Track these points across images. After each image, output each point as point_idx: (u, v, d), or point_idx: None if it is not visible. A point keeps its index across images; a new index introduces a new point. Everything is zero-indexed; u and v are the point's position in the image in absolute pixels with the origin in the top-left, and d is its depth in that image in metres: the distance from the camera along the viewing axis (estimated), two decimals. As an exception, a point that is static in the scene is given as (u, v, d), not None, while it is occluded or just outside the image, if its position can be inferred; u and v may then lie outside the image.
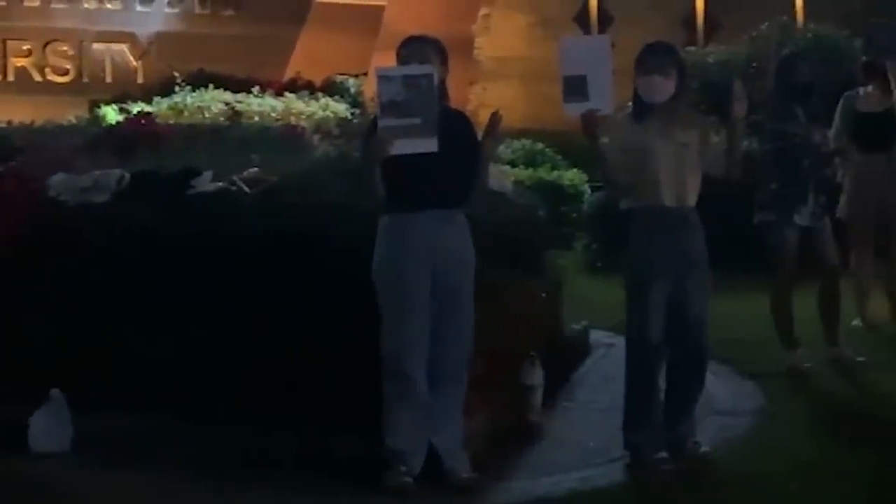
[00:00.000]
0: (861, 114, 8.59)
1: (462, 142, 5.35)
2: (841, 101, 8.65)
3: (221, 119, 11.99)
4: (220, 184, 6.28)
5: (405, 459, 5.30)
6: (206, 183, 6.29)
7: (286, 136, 9.76)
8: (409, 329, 5.28)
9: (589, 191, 13.04)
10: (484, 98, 16.08)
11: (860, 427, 6.45)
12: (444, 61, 5.47)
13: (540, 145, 14.30)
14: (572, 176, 13.62)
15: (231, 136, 9.34)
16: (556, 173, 13.69)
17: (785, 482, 5.44)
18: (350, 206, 5.76)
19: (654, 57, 5.68)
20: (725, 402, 6.82)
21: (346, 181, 5.99)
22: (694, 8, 18.44)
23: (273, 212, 5.96)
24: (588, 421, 6.57)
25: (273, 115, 12.62)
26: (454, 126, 5.36)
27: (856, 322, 8.56)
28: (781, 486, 5.40)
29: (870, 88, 8.62)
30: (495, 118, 5.46)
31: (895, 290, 8.79)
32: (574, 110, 5.45)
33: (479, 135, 5.49)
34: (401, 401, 5.30)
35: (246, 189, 6.23)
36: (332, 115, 12.94)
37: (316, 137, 10.27)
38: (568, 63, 5.48)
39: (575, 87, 5.42)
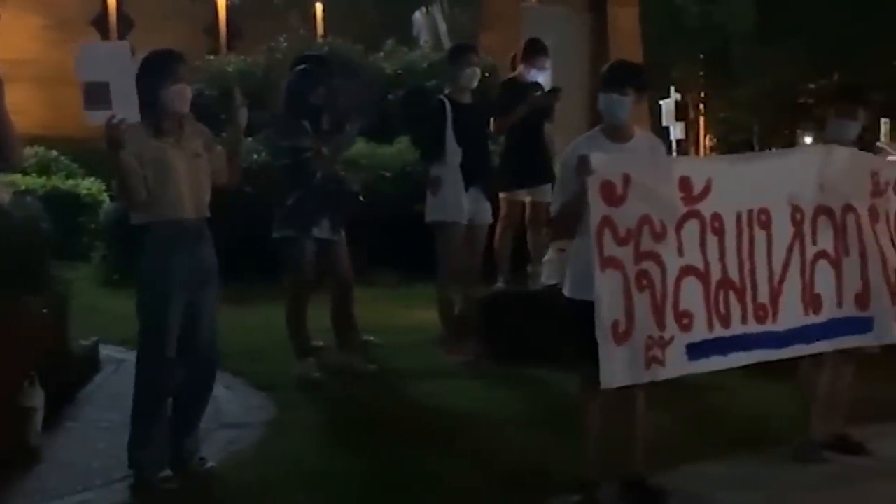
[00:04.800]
0: None
1: None
2: None
3: None
4: None
5: None
6: None
7: None
8: None
9: (108, 200, 12.68)
10: (-7, 102, 15.24)
11: (369, 433, 6.57)
12: None
13: (55, 152, 13.78)
14: (90, 185, 13.22)
15: None
16: (72, 182, 13.24)
17: (290, 492, 5.48)
18: None
19: (176, 65, 5.52)
20: (236, 414, 6.81)
21: None
22: (217, 16, 18.46)
23: None
24: (93, 440, 6.33)
25: None
26: None
27: (370, 338, 8.62)
28: (286, 496, 5.43)
29: None
30: None
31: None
32: (97, 118, 5.17)
33: None
34: None
35: None
36: None
37: None
38: (88, 69, 5.19)
39: (97, 95, 5.15)
